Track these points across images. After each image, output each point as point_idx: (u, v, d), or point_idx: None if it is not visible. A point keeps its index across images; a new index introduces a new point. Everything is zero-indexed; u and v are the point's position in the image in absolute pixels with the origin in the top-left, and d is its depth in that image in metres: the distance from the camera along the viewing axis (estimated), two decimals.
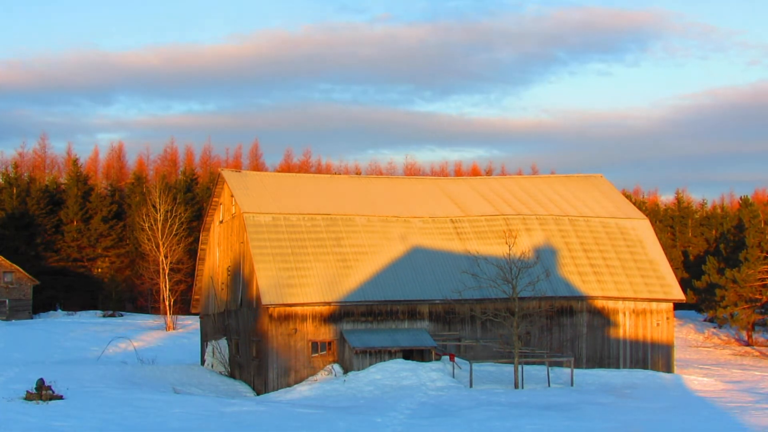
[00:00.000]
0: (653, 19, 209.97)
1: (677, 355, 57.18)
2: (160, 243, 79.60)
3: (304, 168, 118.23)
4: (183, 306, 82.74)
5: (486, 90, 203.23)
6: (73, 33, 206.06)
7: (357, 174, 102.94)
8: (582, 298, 48.82)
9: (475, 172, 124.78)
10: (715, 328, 75.63)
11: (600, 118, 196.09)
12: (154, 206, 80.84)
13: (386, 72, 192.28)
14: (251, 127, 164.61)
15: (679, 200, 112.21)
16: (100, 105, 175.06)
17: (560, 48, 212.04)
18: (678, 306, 57.41)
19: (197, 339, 63.38)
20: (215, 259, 54.69)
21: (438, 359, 44.58)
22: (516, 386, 41.17)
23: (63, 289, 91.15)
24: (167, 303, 77.60)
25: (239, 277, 49.43)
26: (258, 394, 45.17)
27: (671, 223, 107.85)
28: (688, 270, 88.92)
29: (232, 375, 51.16)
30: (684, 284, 71.41)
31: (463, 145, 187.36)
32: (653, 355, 49.66)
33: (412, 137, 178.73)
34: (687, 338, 73.88)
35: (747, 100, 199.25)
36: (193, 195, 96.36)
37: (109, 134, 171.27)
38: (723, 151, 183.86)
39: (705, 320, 78.95)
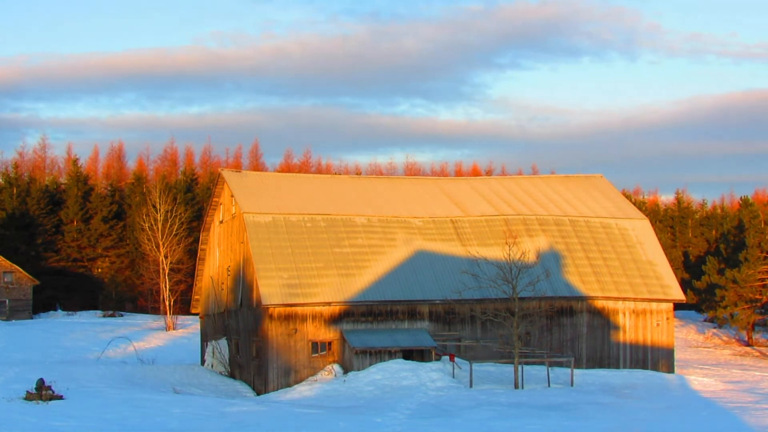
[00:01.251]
0: (563, 7, 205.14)
1: (677, 355, 57.14)
2: (160, 243, 79.63)
3: (304, 168, 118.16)
4: (183, 306, 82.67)
5: (406, 84, 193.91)
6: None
7: (357, 174, 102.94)
8: (582, 299, 48.80)
9: (475, 172, 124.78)
10: (715, 328, 75.63)
11: (536, 112, 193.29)
12: (154, 206, 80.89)
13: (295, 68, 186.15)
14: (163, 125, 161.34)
15: (679, 200, 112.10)
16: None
17: (473, 36, 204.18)
18: (679, 306, 57.45)
19: (197, 339, 63.39)
20: (215, 260, 54.69)
21: (438, 359, 44.56)
22: (516, 386, 41.16)
23: (63, 289, 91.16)
24: (167, 303, 77.64)
25: (239, 278, 49.42)
26: (258, 395, 45.15)
27: (671, 223, 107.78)
28: (689, 270, 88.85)
29: (232, 375, 51.14)
30: (684, 284, 71.37)
31: (396, 145, 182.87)
32: (653, 355, 49.64)
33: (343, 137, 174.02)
34: (687, 338, 73.87)
35: (679, 108, 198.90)
36: (193, 195, 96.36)
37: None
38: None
39: (705, 320, 78.95)
